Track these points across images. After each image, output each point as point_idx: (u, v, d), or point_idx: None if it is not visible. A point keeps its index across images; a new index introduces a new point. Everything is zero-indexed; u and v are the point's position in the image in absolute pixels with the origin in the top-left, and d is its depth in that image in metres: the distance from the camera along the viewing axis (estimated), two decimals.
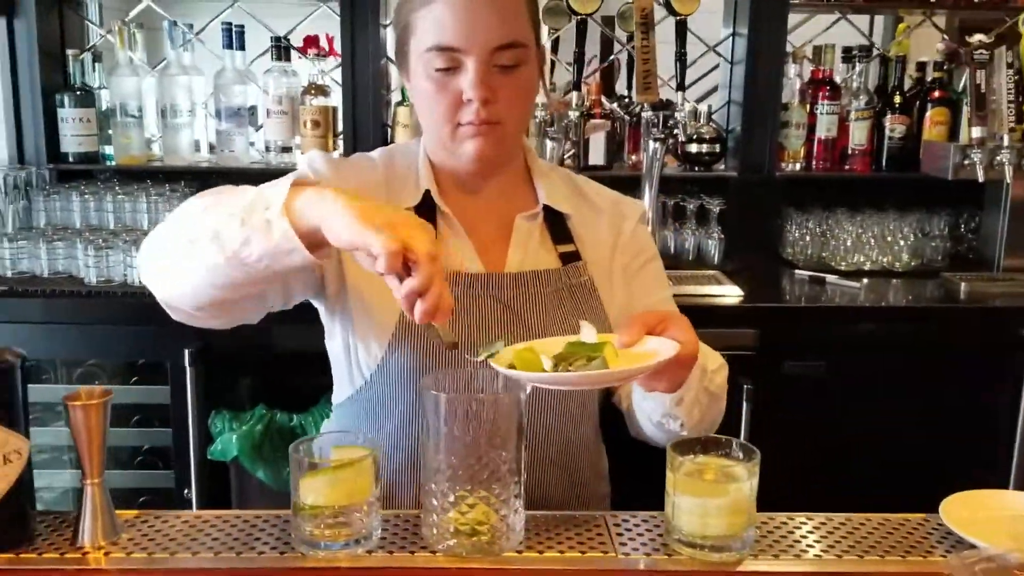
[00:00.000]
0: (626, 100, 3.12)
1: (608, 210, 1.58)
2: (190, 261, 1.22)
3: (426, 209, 1.45)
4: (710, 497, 1.16)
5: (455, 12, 1.35)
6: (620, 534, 1.23)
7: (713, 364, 1.41)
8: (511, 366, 1.17)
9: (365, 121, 2.83)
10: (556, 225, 1.51)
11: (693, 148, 2.96)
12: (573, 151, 2.93)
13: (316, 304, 1.52)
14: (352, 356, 1.48)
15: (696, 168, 3.00)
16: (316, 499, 1.14)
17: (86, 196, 2.76)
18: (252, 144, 3.01)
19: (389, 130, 2.93)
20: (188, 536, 1.20)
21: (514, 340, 1.27)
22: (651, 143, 2.69)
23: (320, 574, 1.14)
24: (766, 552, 1.20)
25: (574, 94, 2.87)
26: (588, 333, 1.24)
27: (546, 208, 1.50)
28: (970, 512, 1.25)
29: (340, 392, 1.55)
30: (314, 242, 1.15)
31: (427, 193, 1.46)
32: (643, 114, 2.84)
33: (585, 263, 1.50)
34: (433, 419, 1.15)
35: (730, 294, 2.59)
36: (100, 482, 1.17)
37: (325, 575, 1.13)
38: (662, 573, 1.15)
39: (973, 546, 1.18)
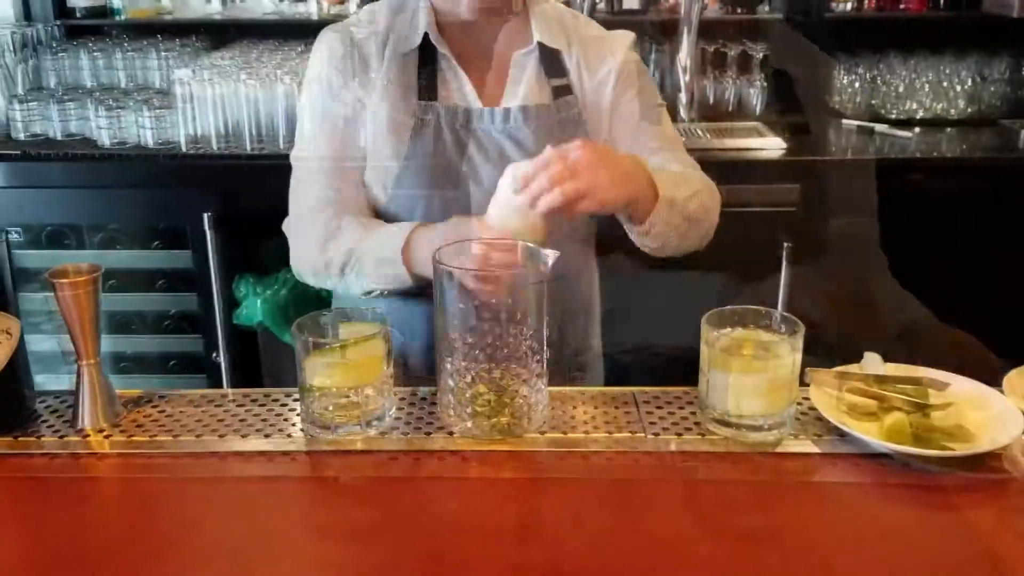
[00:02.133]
0: None
1: (595, 44, 1.54)
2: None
3: (427, 50, 1.47)
4: (748, 374, 1.07)
5: None
6: (650, 412, 1.15)
7: (686, 192, 1.38)
8: None
9: None
10: (550, 61, 1.50)
11: None
12: None
13: None
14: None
15: (738, 10, 2.80)
16: (323, 380, 1.07)
17: (95, 53, 2.64)
18: None
19: None
20: (192, 417, 1.14)
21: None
22: None
23: (331, 457, 1.07)
24: (806, 430, 1.12)
25: None
26: None
27: (540, 45, 1.50)
28: None
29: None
30: None
31: (426, 35, 1.47)
32: None
33: (575, 97, 1.50)
34: (447, 294, 1.06)
35: (772, 147, 2.46)
36: (96, 363, 1.10)
37: (336, 458, 1.07)
38: (694, 454, 1.07)
39: None
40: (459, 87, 1.47)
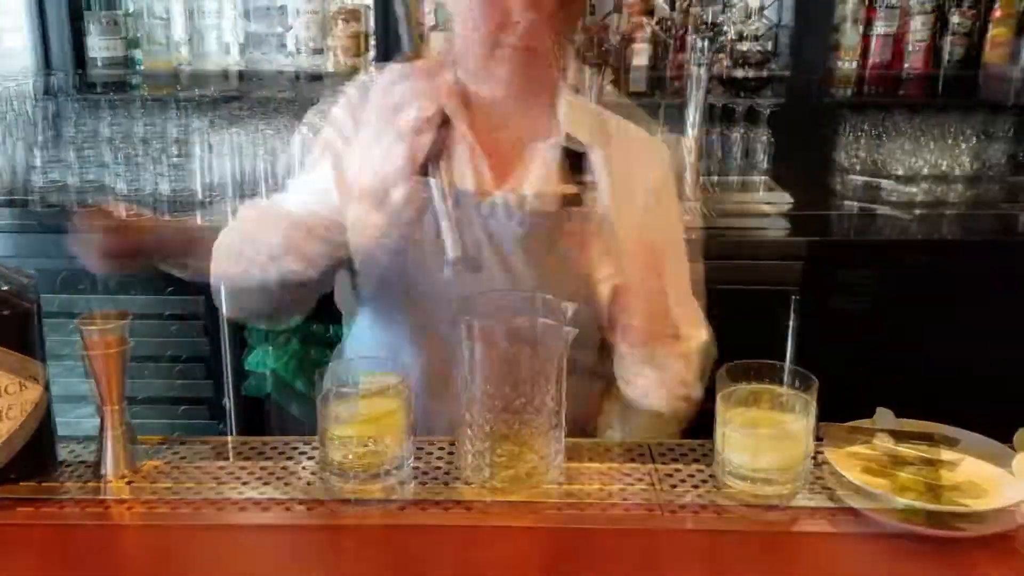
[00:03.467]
0: (668, 21, 2.90)
1: (630, 148, 1.47)
2: None
3: (441, 122, 1.38)
4: (763, 428, 1.08)
5: None
6: (665, 464, 1.17)
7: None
8: None
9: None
10: (574, 156, 1.41)
11: (739, 74, 2.78)
12: (613, 78, 2.77)
13: None
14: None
15: (740, 94, 2.81)
16: (344, 429, 1.08)
17: (115, 102, 2.69)
18: (283, 46, 2.90)
19: (424, 30, 2.80)
20: (214, 464, 1.15)
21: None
22: (695, 69, 2.51)
23: (350, 506, 1.08)
24: (820, 484, 1.12)
25: (614, 16, 2.71)
26: None
27: (567, 137, 1.41)
28: None
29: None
30: None
31: (444, 106, 1.38)
32: (687, 37, 2.70)
33: (597, 196, 1.40)
34: (467, 347, 1.07)
35: (779, 201, 2.50)
36: (120, 408, 1.12)
37: (355, 507, 1.08)
38: (709, 507, 1.08)
39: None
40: (468, 166, 1.38)
